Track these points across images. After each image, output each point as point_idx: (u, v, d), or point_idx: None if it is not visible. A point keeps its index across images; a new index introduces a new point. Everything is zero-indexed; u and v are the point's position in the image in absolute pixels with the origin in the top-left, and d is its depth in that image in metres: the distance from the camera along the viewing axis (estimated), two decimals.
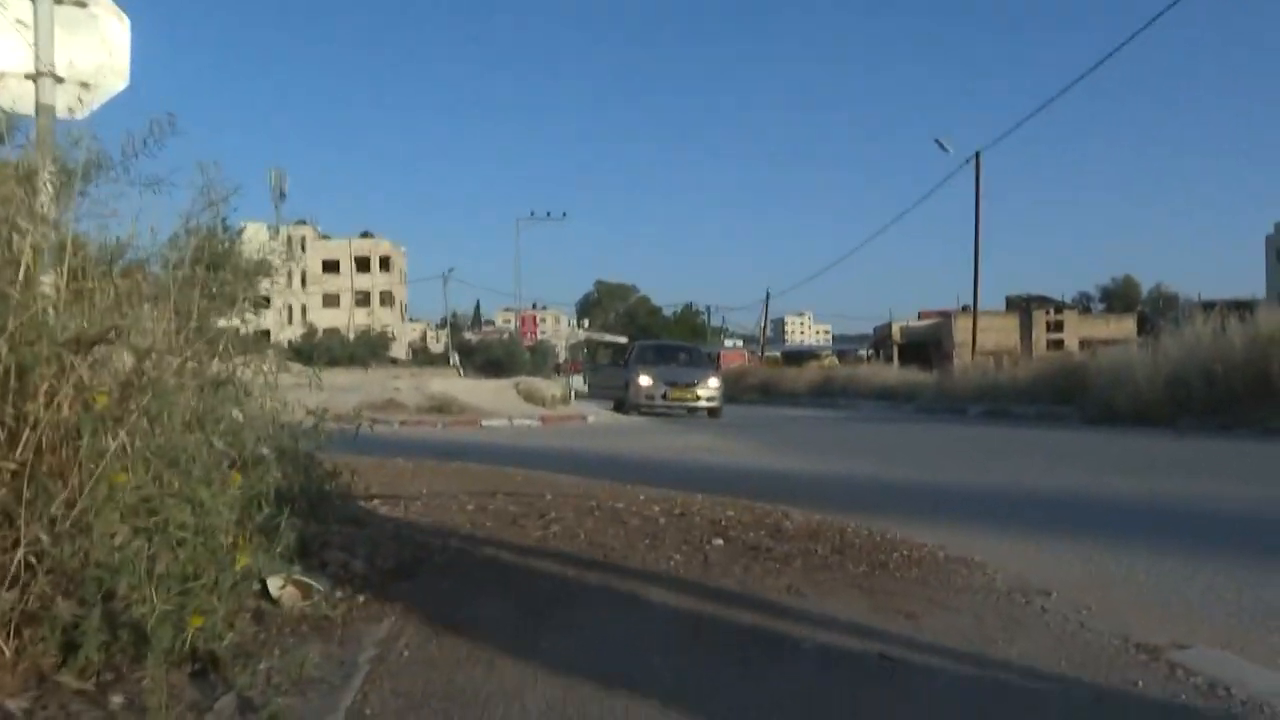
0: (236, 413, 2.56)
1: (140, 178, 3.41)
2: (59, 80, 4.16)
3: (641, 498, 4.24)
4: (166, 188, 3.49)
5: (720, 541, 3.07)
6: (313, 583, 2.28)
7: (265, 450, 2.73)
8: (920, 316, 55.32)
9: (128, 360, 2.52)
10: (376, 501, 3.94)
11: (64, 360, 2.24)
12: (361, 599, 2.34)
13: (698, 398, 19.16)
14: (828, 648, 2.05)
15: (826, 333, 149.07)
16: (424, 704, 1.71)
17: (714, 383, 19.55)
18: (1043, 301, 52.75)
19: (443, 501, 3.99)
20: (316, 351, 51.14)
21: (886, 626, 2.18)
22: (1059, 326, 49.11)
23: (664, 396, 19.15)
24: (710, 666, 1.93)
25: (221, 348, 3.37)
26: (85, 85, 4.40)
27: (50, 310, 2.38)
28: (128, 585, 1.91)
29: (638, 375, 19.55)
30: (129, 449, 2.11)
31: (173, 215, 3.56)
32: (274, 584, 2.24)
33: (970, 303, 34.00)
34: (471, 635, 2.11)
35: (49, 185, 3.47)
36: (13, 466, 2.09)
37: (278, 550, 2.27)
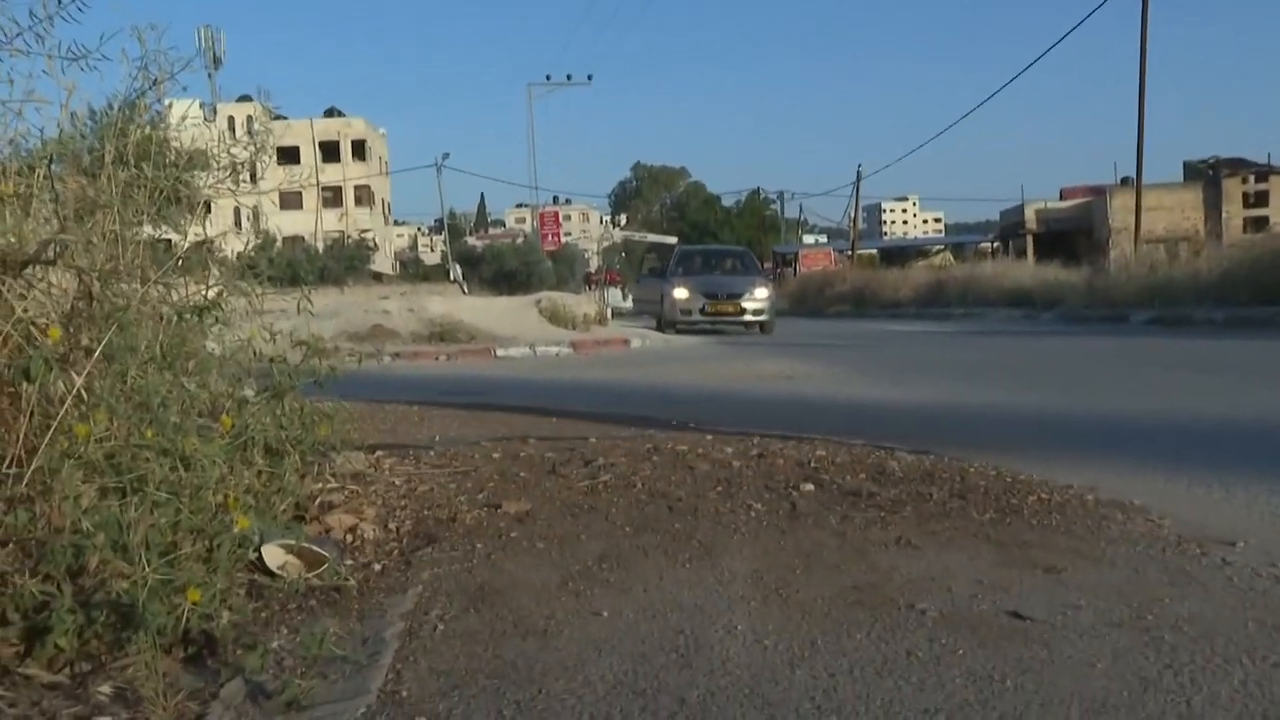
0: (212, 345, 2.72)
1: (60, 50, 3.54)
2: None
3: (709, 438, 4.38)
4: (95, 62, 3.62)
5: (811, 487, 3.19)
6: (320, 550, 2.45)
7: (249, 392, 2.90)
8: (1063, 196, 54.31)
9: (66, 284, 2.67)
10: (380, 454, 4.12)
11: None
12: (379, 567, 2.51)
13: (742, 310, 20.89)
14: (948, 610, 2.17)
15: (937, 221, 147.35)
16: (470, 682, 1.87)
17: (762, 293, 21.21)
18: (1237, 166, 50.97)
19: (462, 450, 4.16)
20: (274, 267, 51.44)
21: (1021, 583, 2.30)
22: (1261, 199, 47.61)
23: (703, 311, 20.93)
24: (804, 635, 2.06)
25: (179, 265, 3.54)
26: None
27: None
28: (101, 557, 2.08)
29: (673, 287, 21.40)
30: (85, 394, 2.27)
31: (104, 99, 3.71)
32: (273, 553, 2.41)
33: (1132, 173, 33.36)
34: (515, 603, 2.26)
35: None
36: None
37: (279, 511, 2.44)
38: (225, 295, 3.30)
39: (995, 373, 11.25)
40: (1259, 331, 14.30)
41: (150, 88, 4.01)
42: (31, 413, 2.15)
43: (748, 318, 21.11)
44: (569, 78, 51.76)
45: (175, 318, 2.69)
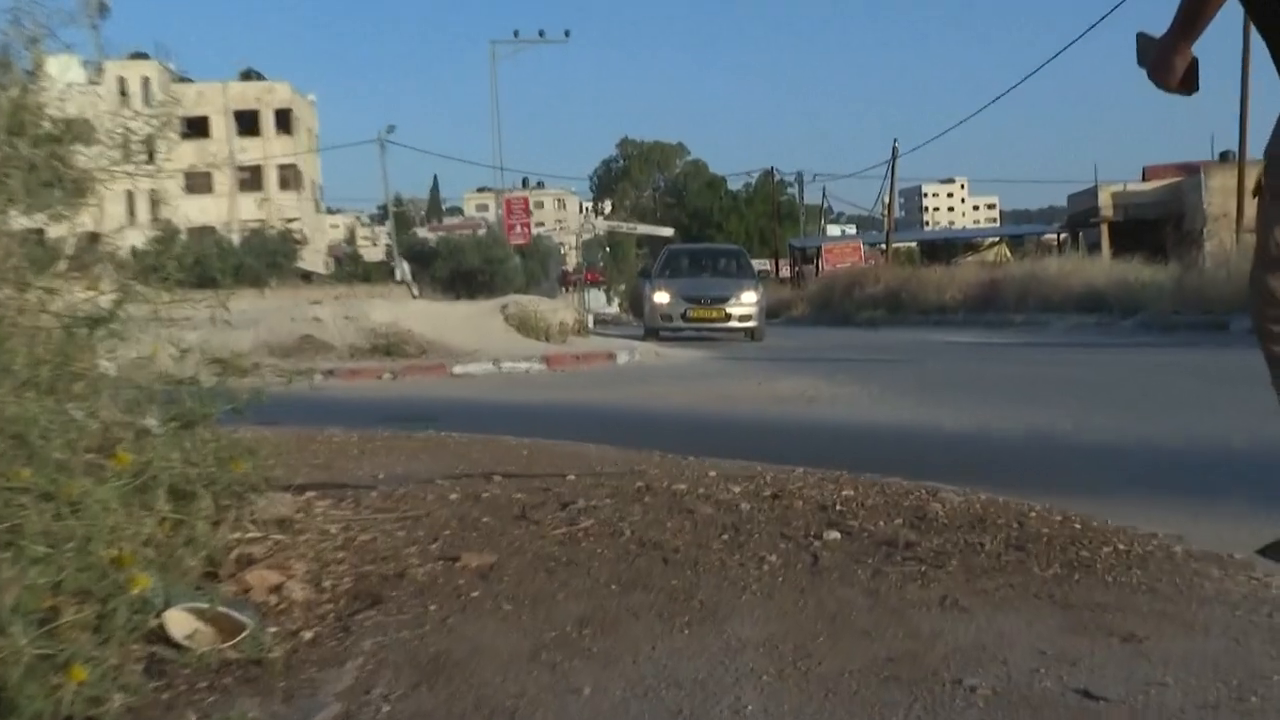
0: (105, 364, 2.72)
1: None
2: None
3: (712, 474, 4.39)
4: None
5: (836, 535, 3.20)
6: (238, 615, 2.45)
7: (152, 422, 2.90)
8: (1146, 176, 54.55)
9: None
10: (312, 494, 4.12)
11: None
12: (310, 635, 2.51)
13: (727, 316, 23.49)
14: (1003, 687, 2.18)
15: (991, 208, 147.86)
16: None
17: (749, 297, 23.72)
18: None
19: (411, 491, 4.16)
20: (179, 264, 51.11)
21: (1093, 654, 2.31)
22: None
23: (684, 316, 23.61)
24: (829, 718, 2.07)
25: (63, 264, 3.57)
26: None
27: None
28: None
29: (655, 290, 24.16)
30: None
31: None
32: (179, 619, 2.41)
33: (1233, 147, 33.43)
34: (477, 678, 2.27)
35: None
36: None
37: (188, 568, 2.44)
38: (123, 302, 3.32)
39: (1061, 394, 11.29)
40: None
41: (26, 47, 4.05)
42: None
43: (733, 324, 23.62)
44: (541, 34, 51.83)
45: (60, 331, 2.69)
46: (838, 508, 3.59)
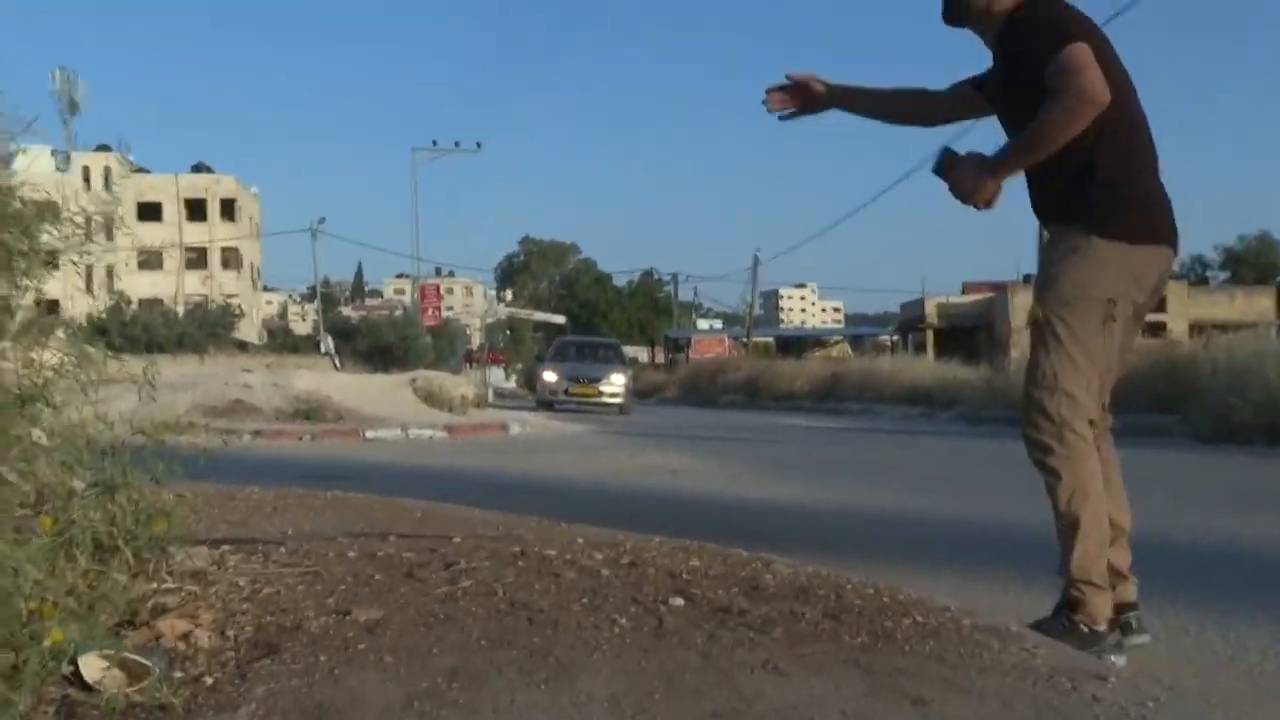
0: (37, 433, 2.65)
1: None
2: None
3: (580, 541, 4.37)
4: None
5: (680, 601, 3.21)
6: (145, 661, 2.39)
7: (78, 483, 2.83)
8: (965, 290, 56.06)
9: None
10: (226, 549, 4.03)
11: None
12: (210, 681, 2.45)
13: (600, 394, 27.26)
14: None
15: (836, 311, 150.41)
16: None
17: (618, 379, 27.58)
18: None
19: (315, 547, 4.09)
20: (128, 331, 50.16)
21: (886, 715, 2.34)
22: (1159, 305, 50.00)
23: (566, 391, 27.29)
24: None
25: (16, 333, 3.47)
26: None
27: None
28: None
29: (544, 370, 28.43)
30: None
31: None
32: (91, 664, 2.34)
33: (1033, 270, 34.54)
34: None
35: None
36: None
37: (100, 619, 2.37)
38: (65, 369, 3.24)
39: (889, 474, 11.50)
40: (1157, 439, 14.85)
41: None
42: None
43: (605, 399, 27.29)
44: (457, 144, 51.98)
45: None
46: (684, 575, 3.59)
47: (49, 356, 4.15)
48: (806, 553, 5.53)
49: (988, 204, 3.41)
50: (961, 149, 3.50)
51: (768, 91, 3.94)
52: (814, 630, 2.98)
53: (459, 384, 20.43)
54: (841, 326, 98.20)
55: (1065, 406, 3.31)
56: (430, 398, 18.91)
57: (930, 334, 49.28)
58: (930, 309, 50.93)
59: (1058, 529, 3.40)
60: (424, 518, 5.27)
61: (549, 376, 27.86)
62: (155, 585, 3.14)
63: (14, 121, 3.94)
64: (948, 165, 3.46)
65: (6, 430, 2.53)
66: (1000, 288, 48.83)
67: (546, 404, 27.31)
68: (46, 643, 2.11)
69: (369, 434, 16.00)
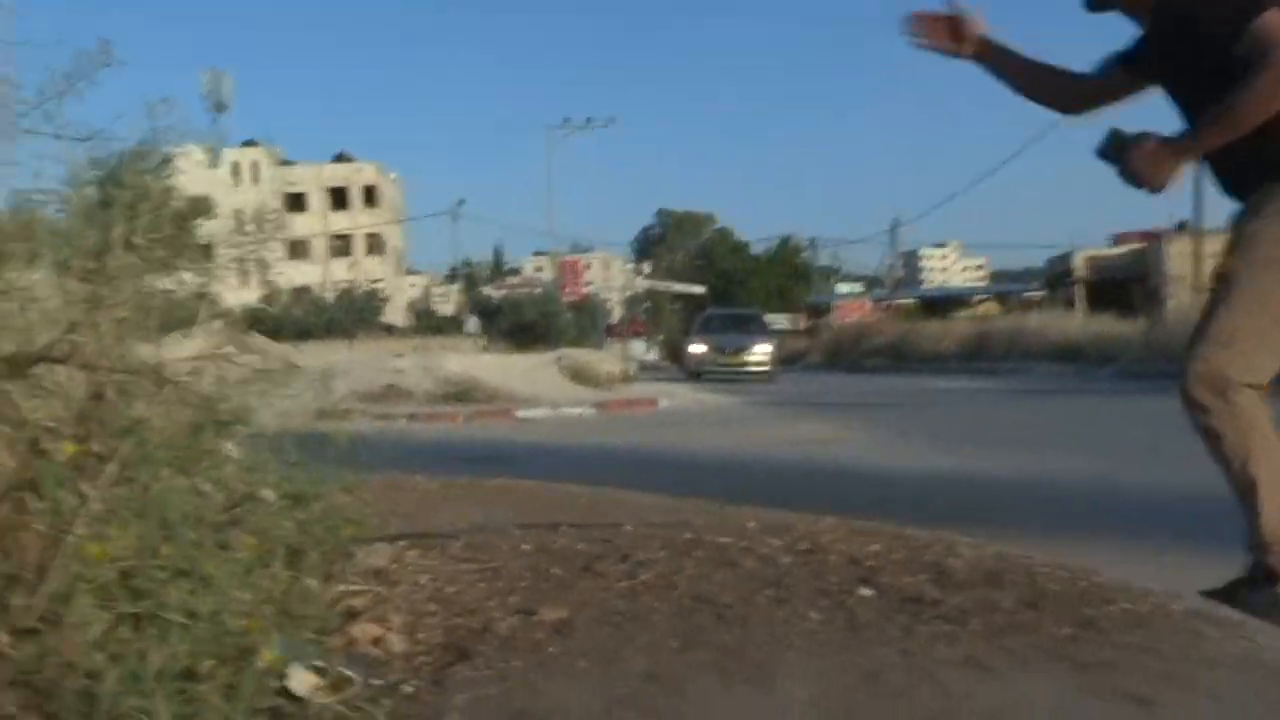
0: (229, 446, 2.69)
1: (70, 128, 3.58)
2: None
3: (752, 525, 4.31)
4: (102, 138, 3.68)
5: (868, 592, 3.12)
6: (349, 672, 2.40)
7: (269, 493, 2.87)
8: (1116, 241, 54.11)
9: (77, 380, 2.66)
10: (404, 544, 4.07)
11: None
12: (410, 689, 2.45)
13: (745, 363, 28.18)
14: None
15: (979, 269, 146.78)
16: None
17: (762, 349, 28.59)
18: None
19: (490, 540, 4.10)
20: (280, 319, 51.76)
21: (1109, 717, 2.22)
22: None
23: (715, 362, 28.26)
24: None
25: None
26: None
27: None
28: (113, 696, 2.03)
29: (692, 343, 29.81)
30: (98, 508, 2.24)
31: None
32: (299, 677, 2.36)
33: (1188, 219, 33.19)
34: None
35: None
36: None
37: (304, 631, 2.40)
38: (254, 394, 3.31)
39: (1054, 437, 11.15)
40: None
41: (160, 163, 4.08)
42: (38, 531, 2.13)
43: (750, 368, 28.04)
44: (589, 121, 52.11)
45: (192, 414, 2.66)
46: (867, 563, 3.50)
47: (235, 371, 4.28)
48: (981, 529, 5.37)
49: (1164, 186, 3.18)
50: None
51: (916, 14, 3.63)
52: (1012, 621, 2.86)
53: (604, 361, 20.53)
54: (986, 285, 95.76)
55: (1237, 365, 3.06)
56: (577, 375, 19.04)
57: (1080, 288, 47.74)
58: (1079, 262, 49.29)
59: (1236, 495, 3.14)
60: (591, 504, 5.26)
61: (696, 348, 28.96)
62: (343, 587, 3.17)
63: (175, 132, 4.00)
64: (1117, 146, 3.23)
65: (200, 445, 2.57)
66: (1153, 236, 46.99)
67: (695, 375, 28.19)
68: (260, 663, 2.12)
69: (520, 413, 16.20)
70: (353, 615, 2.95)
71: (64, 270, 3.42)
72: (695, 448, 10.75)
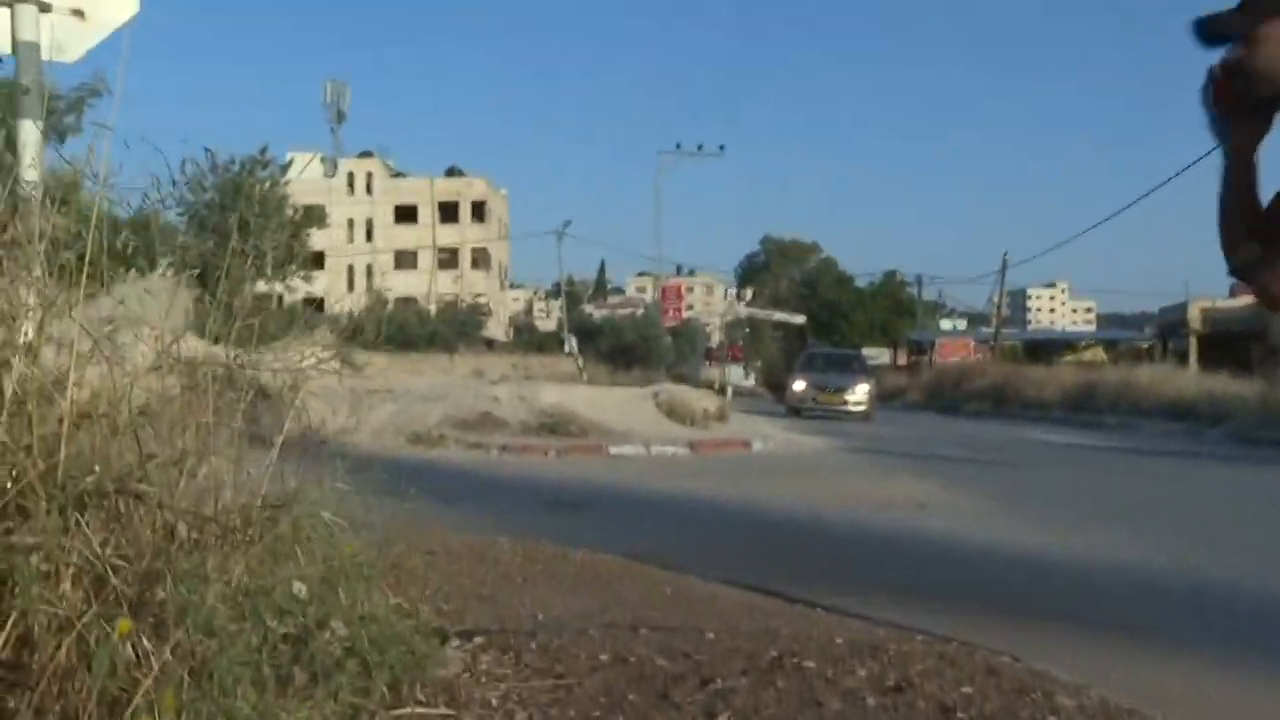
0: (298, 586, 2.59)
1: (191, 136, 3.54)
2: (45, 8, 4.28)
3: (839, 643, 4.14)
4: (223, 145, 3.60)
5: None
6: None
7: (338, 626, 2.77)
8: (1233, 293, 52.40)
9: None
10: (478, 642, 3.97)
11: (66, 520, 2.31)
12: None
13: (845, 402, 29.14)
14: None
15: (1089, 311, 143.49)
16: None
17: (862, 389, 29.52)
18: None
19: (566, 645, 3.98)
20: (386, 329, 52.31)
21: None
22: None
23: (815, 400, 29.38)
24: None
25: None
26: (80, 14, 4.52)
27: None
28: None
29: (794, 380, 30.82)
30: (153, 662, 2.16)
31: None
32: None
33: None
34: None
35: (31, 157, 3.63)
36: None
37: None
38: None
39: (1173, 514, 10.64)
40: None
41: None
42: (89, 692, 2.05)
43: (849, 407, 28.99)
44: (700, 147, 52.09)
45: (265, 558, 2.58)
46: (958, 714, 3.30)
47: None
48: (1084, 641, 5.13)
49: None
50: None
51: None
52: None
53: (700, 398, 20.35)
54: (1094, 329, 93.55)
55: None
56: (672, 411, 18.89)
57: (1193, 340, 46.30)
58: (1194, 313, 47.83)
59: None
60: (673, 596, 5.12)
61: (798, 386, 30.14)
62: (409, 710, 3.07)
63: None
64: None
65: (267, 589, 2.48)
66: None
67: (795, 410, 29.36)
68: None
69: (612, 449, 16.11)
70: None
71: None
72: (785, 503, 10.52)
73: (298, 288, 52.10)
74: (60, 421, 2.49)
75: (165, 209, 3.35)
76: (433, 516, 8.77)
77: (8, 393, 2.50)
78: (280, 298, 50.81)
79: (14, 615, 2.23)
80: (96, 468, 2.45)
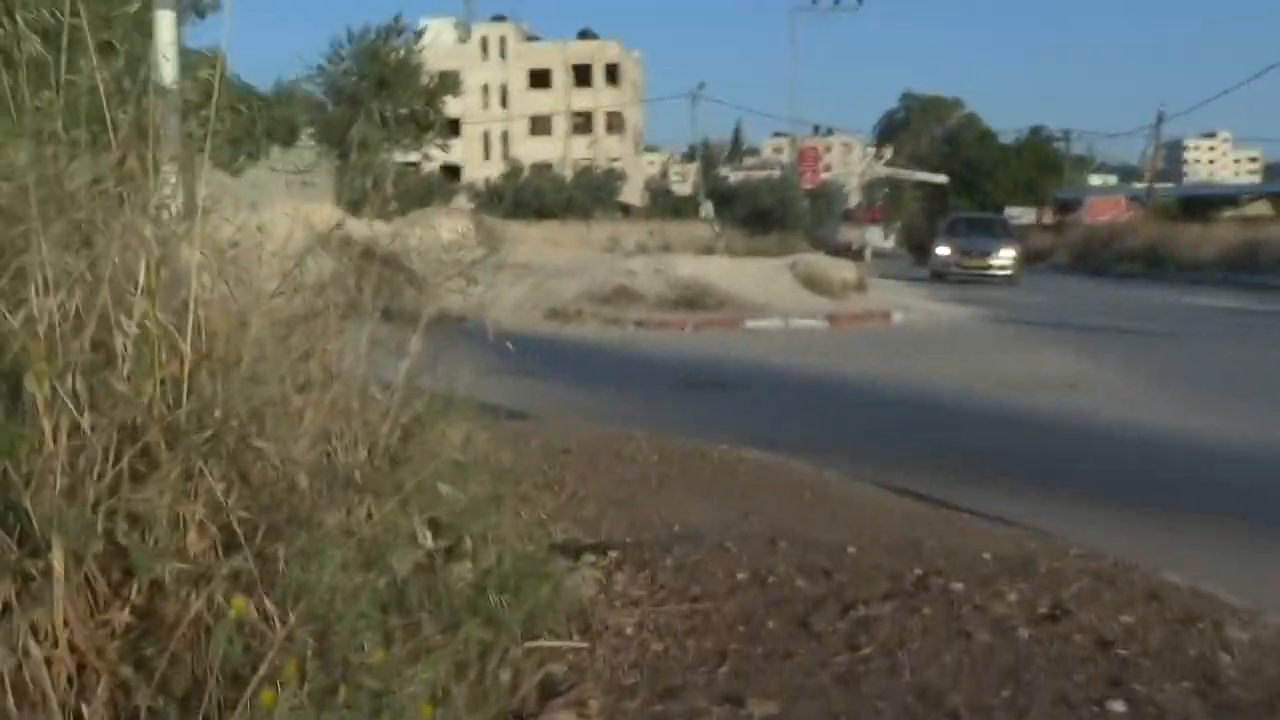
0: (422, 531, 2.50)
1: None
2: None
3: (986, 557, 3.95)
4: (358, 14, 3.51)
5: (1120, 707, 2.74)
6: None
7: (465, 568, 2.69)
8: None
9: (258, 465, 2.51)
10: (613, 558, 3.90)
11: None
12: None
13: (989, 267, 28.66)
14: None
15: (1253, 162, 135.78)
16: None
17: (1007, 253, 29.01)
18: None
19: (704, 562, 3.88)
20: (520, 196, 52.58)
21: None
22: None
23: (959, 265, 28.85)
24: None
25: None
26: None
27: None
28: None
29: (939, 246, 30.25)
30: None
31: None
32: None
33: None
34: None
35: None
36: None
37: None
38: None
39: None
40: None
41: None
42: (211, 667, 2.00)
43: (994, 271, 28.50)
44: (837, 2, 50.33)
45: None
46: (1118, 649, 3.09)
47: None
48: (1255, 550, 4.86)
49: None
50: None
51: None
52: None
53: (839, 267, 19.91)
54: (1259, 182, 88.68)
55: None
56: (810, 282, 18.54)
57: None
58: None
59: None
60: (812, 501, 4.96)
61: (943, 251, 29.73)
62: (541, 643, 3.00)
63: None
64: None
65: (391, 540, 2.40)
66: None
67: (938, 275, 28.92)
68: None
69: (749, 323, 15.92)
70: (548, 693, 2.77)
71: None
72: (927, 382, 10.23)
73: (434, 156, 52.45)
74: (181, 364, 2.42)
75: (305, 82, 3.23)
76: (569, 402, 8.84)
77: (131, 334, 2.43)
78: (418, 166, 51.29)
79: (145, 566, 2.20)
80: (218, 412, 2.38)
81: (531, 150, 68.34)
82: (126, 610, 2.11)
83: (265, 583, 2.13)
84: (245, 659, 1.95)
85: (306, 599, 2.07)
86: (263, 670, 1.94)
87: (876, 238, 55.82)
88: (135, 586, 2.17)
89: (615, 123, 74.56)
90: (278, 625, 2.01)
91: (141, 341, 2.42)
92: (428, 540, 2.42)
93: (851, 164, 75.83)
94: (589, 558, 3.90)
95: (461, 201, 49.05)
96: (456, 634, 2.43)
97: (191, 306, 2.51)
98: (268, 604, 2.09)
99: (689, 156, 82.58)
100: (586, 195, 53.00)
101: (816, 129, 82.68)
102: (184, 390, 2.41)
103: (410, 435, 3.22)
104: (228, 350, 2.54)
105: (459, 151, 63.36)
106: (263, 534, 2.23)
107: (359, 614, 2.17)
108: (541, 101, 73.47)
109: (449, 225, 36.02)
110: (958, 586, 3.62)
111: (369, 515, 2.36)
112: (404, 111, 48.59)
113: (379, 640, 2.23)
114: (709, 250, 28.20)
